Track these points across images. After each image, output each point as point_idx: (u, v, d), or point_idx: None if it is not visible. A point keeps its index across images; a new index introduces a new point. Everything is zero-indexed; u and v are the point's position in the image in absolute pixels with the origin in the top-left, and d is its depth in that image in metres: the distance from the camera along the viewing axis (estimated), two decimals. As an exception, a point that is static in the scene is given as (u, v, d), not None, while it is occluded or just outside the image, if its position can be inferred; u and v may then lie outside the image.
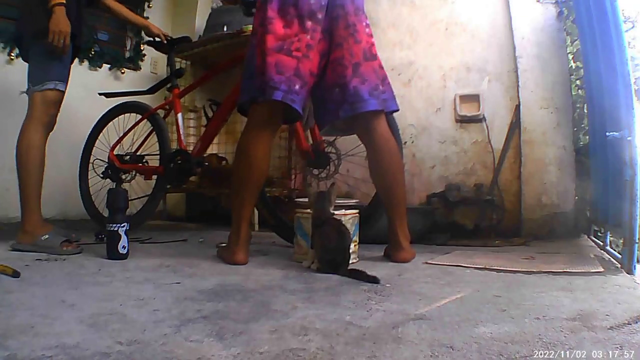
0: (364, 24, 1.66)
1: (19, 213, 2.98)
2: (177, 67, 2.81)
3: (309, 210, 1.64)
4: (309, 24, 1.56)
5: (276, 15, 1.57)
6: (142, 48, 3.69)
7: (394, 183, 1.71)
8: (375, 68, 1.66)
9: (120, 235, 1.70)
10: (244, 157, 1.63)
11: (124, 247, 1.71)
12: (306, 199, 1.86)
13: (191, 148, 2.64)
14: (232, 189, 1.71)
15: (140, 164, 2.76)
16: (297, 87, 1.54)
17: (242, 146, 1.65)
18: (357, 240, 1.79)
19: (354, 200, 1.94)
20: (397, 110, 1.77)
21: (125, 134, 2.76)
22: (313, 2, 1.56)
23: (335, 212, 1.62)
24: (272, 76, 1.53)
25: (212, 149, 3.60)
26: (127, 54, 3.70)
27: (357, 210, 1.79)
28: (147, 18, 3.74)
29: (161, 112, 2.74)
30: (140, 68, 3.73)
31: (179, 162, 2.54)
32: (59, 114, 2.00)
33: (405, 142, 3.03)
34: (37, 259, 1.64)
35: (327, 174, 2.15)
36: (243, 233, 1.65)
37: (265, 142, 1.62)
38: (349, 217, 1.71)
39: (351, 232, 1.64)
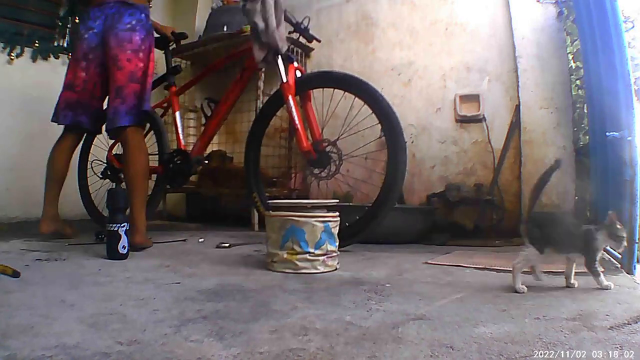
0: (129, 51, 1.99)
1: (19, 212, 2.99)
2: (174, 65, 2.79)
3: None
4: (83, 64, 2.08)
5: (72, 59, 2.15)
6: (142, 48, 3.69)
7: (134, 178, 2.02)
8: (136, 90, 1.99)
9: (120, 235, 1.70)
10: (48, 161, 2.18)
11: (124, 247, 1.71)
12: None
13: (191, 148, 2.63)
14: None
15: None
16: (79, 111, 2.10)
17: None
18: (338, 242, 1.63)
19: (334, 200, 1.76)
20: (127, 126, 2.01)
21: None
22: (85, 47, 2.06)
23: (316, 214, 1.56)
24: (62, 107, 2.11)
25: (213, 149, 3.61)
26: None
27: (337, 213, 1.65)
28: (147, 18, 3.75)
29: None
30: (140, 68, 3.72)
31: (178, 162, 2.53)
32: None
33: (405, 142, 3.03)
34: (37, 259, 1.64)
35: (327, 173, 2.14)
36: (48, 209, 2.15)
37: (63, 148, 2.19)
38: (330, 220, 1.59)
39: (335, 236, 1.59)
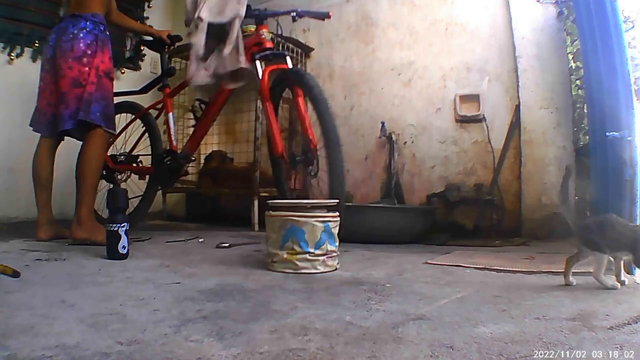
0: (70, 59, 2.08)
1: (19, 212, 2.99)
2: (169, 66, 2.78)
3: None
4: (42, 74, 2.20)
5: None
6: (142, 48, 3.70)
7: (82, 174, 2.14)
8: (79, 94, 2.07)
9: (120, 235, 1.70)
10: (32, 168, 2.23)
11: (124, 247, 1.71)
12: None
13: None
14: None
15: (134, 164, 2.76)
16: (41, 118, 2.18)
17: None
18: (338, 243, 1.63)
19: (334, 200, 1.72)
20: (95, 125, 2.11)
21: (117, 135, 2.75)
22: (44, 59, 2.22)
23: (316, 214, 1.54)
24: (34, 114, 2.22)
25: (214, 149, 3.61)
26: (127, 54, 3.70)
27: (337, 213, 1.63)
28: (147, 18, 3.76)
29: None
30: (140, 68, 3.73)
31: (168, 162, 2.55)
32: None
33: (405, 142, 3.03)
34: (37, 259, 1.64)
35: (315, 172, 2.12)
36: (42, 215, 2.18)
37: (42, 153, 2.22)
38: (332, 221, 1.59)
39: (335, 236, 1.58)
